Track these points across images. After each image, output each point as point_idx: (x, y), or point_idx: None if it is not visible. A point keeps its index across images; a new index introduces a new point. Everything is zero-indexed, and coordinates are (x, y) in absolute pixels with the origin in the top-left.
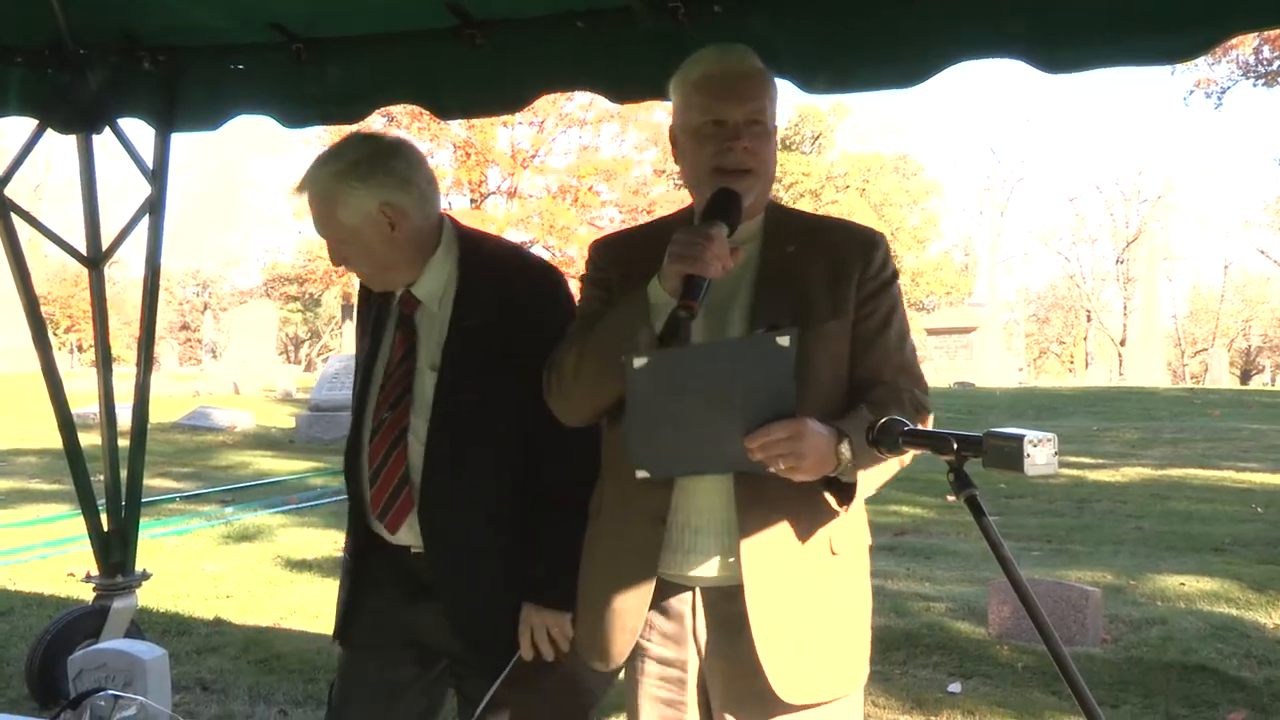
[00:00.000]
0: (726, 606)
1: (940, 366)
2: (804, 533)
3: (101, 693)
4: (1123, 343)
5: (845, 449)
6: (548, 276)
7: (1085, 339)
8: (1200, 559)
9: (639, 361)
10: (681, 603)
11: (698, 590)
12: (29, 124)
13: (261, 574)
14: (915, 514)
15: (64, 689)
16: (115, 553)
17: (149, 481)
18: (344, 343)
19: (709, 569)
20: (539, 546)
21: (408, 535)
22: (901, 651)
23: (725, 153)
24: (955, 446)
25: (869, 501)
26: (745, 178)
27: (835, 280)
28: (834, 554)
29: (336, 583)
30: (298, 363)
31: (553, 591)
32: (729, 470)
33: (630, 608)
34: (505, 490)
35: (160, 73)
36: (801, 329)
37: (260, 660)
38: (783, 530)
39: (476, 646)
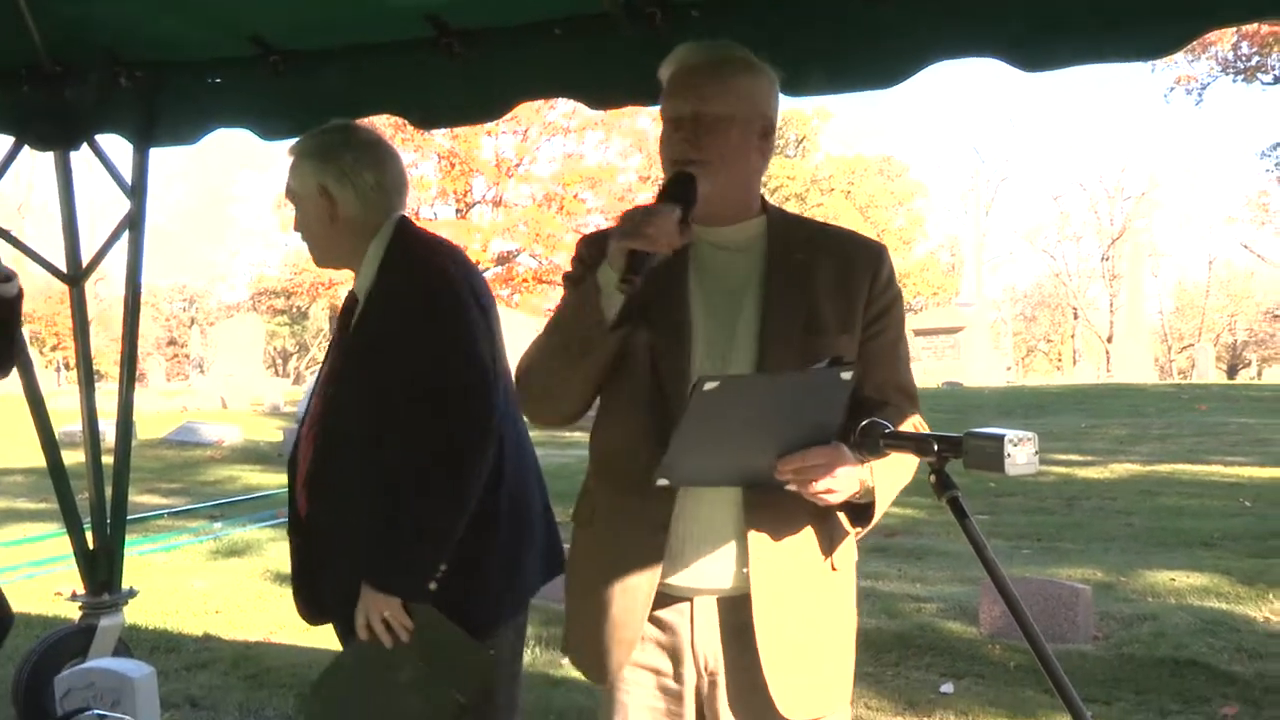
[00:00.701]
0: (731, 618)
1: (928, 367)
2: (809, 547)
3: (88, 712)
4: (1110, 340)
5: (868, 476)
6: (427, 284)
7: (1072, 336)
8: (1190, 554)
9: (709, 385)
10: (679, 614)
11: (694, 601)
12: (6, 141)
13: (250, 589)
14: (906, 515)
15: (51, 709)
16: (101, 571)
17: (137, 498)
18: None
19: (713, 580)
20: (387, 530)
21: None
22: (894, 653)
23: (674, 145)
24: (936, 448)
25: None
26: (692, 168)
27: (843, 293)
28: (834, 570)
29: None
30: (286, 376)
31: (387, 576)
32: (747, 484)
33: (628, 619)
34: (368, 480)
35: (138, 88)
36: (812, 340)
37: (250, 676)
38: (789, 544)
39: (340, 629)
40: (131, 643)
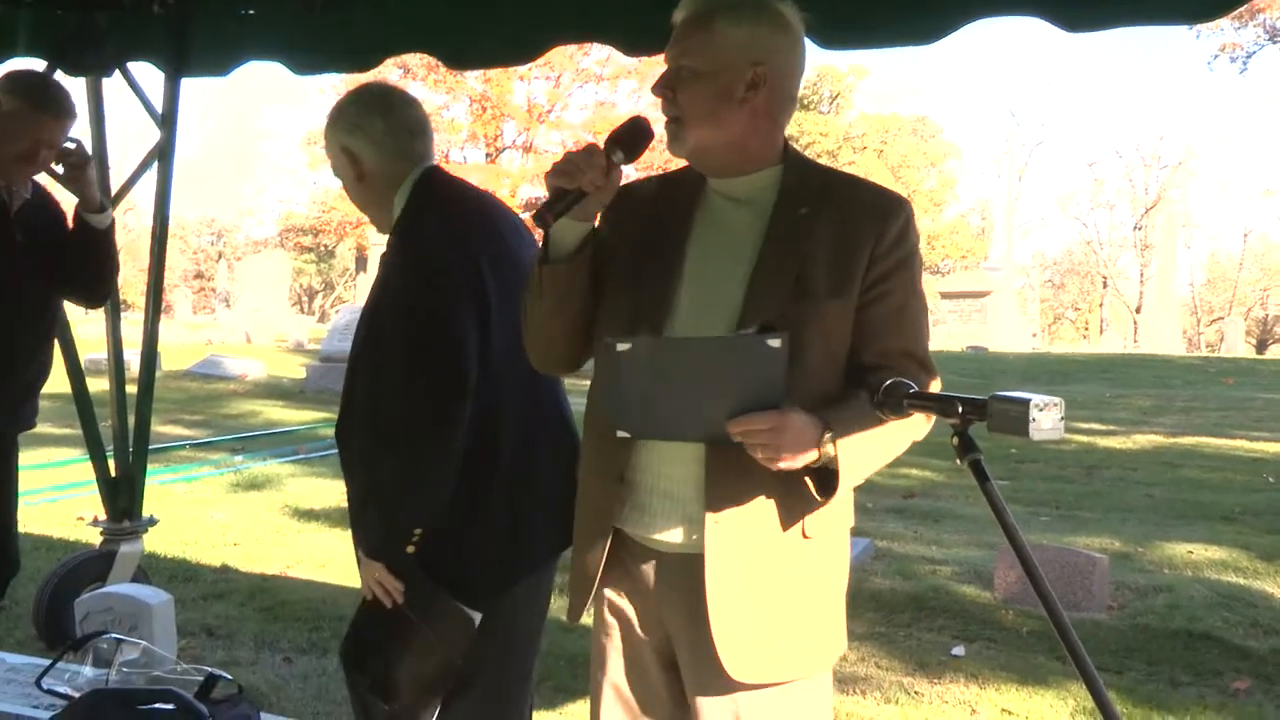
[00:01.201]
0: (686, 577)
1: (954, 330)
2: (775, 512)
3: (106, 635)
4: (1138, 310)
5: (829, 444)
6: (418, 251)
7: (1101, 305)
8: (1209, 527)
9: (622, 346)
10: (648, 566)
11: (661, 555)
12: (38, 66)
13: (269, 523)
14: (924, 477)
15: (71, 631)
16: (122, 498)
17: (159, 428)
18: (357, 294)
19: (672, 535)
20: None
21: None
22: (906, 614)
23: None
24: (960, 410)
25: None
26: (671, 125)
27: (842, 252)
28: (806, 537)
29: (343, 532)
30: (311, 314)
31: (366, 540)
32: (711, 442)
33: (588, 565)
34: (364, 438)
35: (170, 17)
36: (798, 304)
37: (266, 608)
38: (753, 507)
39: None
40: (150, 570)
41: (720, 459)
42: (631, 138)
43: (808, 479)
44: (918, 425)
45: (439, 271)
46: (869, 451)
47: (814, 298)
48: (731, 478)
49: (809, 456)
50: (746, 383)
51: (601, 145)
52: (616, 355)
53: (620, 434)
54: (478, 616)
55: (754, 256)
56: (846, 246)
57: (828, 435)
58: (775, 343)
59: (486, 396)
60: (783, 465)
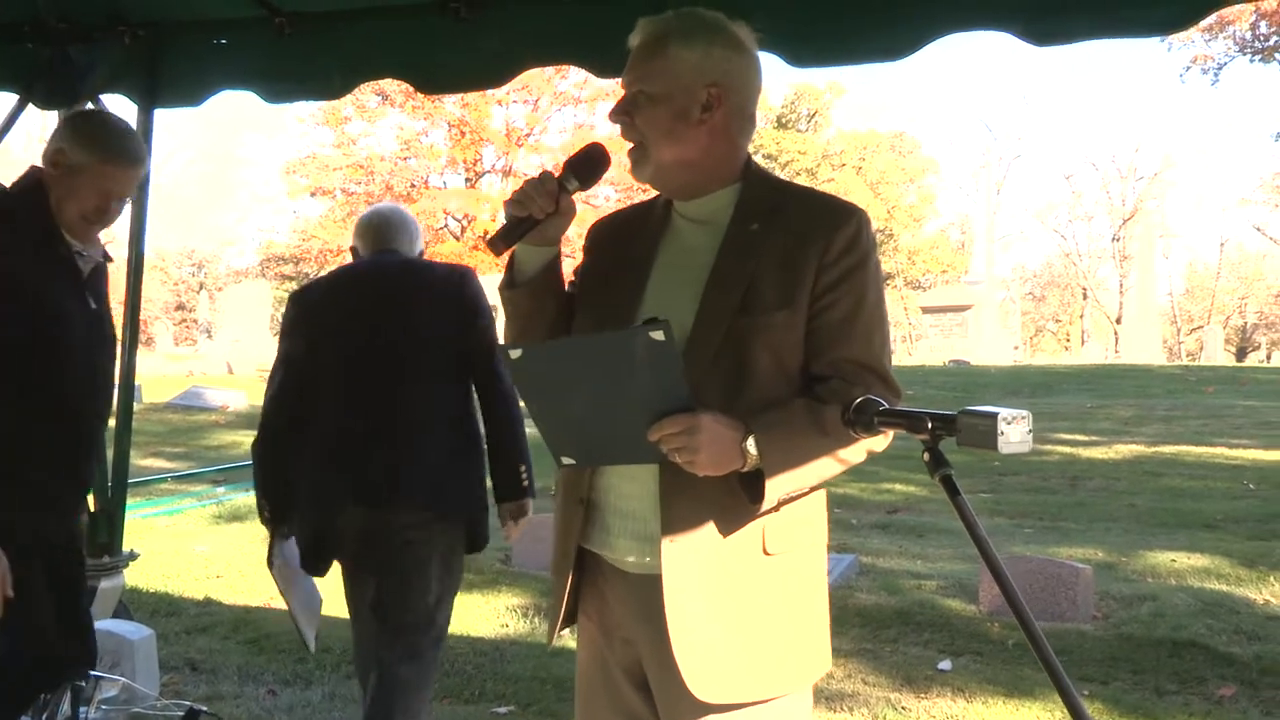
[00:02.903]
0: (649, 596)
1: (935, 345)
2: (730, 528)
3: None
4: (1119, 320)
5: (750, 445)
6: None
7: (1081, 317)
8: (1192, 535)
9: (514, 352)
10: (614, 586)
11: (627, 575)
12: (9, 100)
13: (252, 554)
14: (909, 491)
15: None
16: (102, 533)
17: (141, 461)
18: None
19: (632, 555)
20: None
21: None
22: (893, 629)
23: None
24: (930, 425)
25: (862, 480)
26: (633, 151)
27: (790, 264)
28: (768, 554)
29: None
30: None
31: None
32: (651, 461)
33: (558, 586)
34: None
35: (142, 48)
36: (744, 318)
37: (250, 640)
38: (707, 524)
39: None
40: (132, 605)
41: (673, 477)
42: (587, 165)
43: (741, 487)
44: (875, 438)
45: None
46: (800, 455)
47: (761, 311)
48: (685, 496)
49: (733, 460)
50: (650, 386)
51: (558, 172)
52: (512, 363)
53: (566, 461)
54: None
55: (707, 271)
56: (794, 258)
57: (749, 438)
58: (657, 334)
59: None
60: (706, 469)
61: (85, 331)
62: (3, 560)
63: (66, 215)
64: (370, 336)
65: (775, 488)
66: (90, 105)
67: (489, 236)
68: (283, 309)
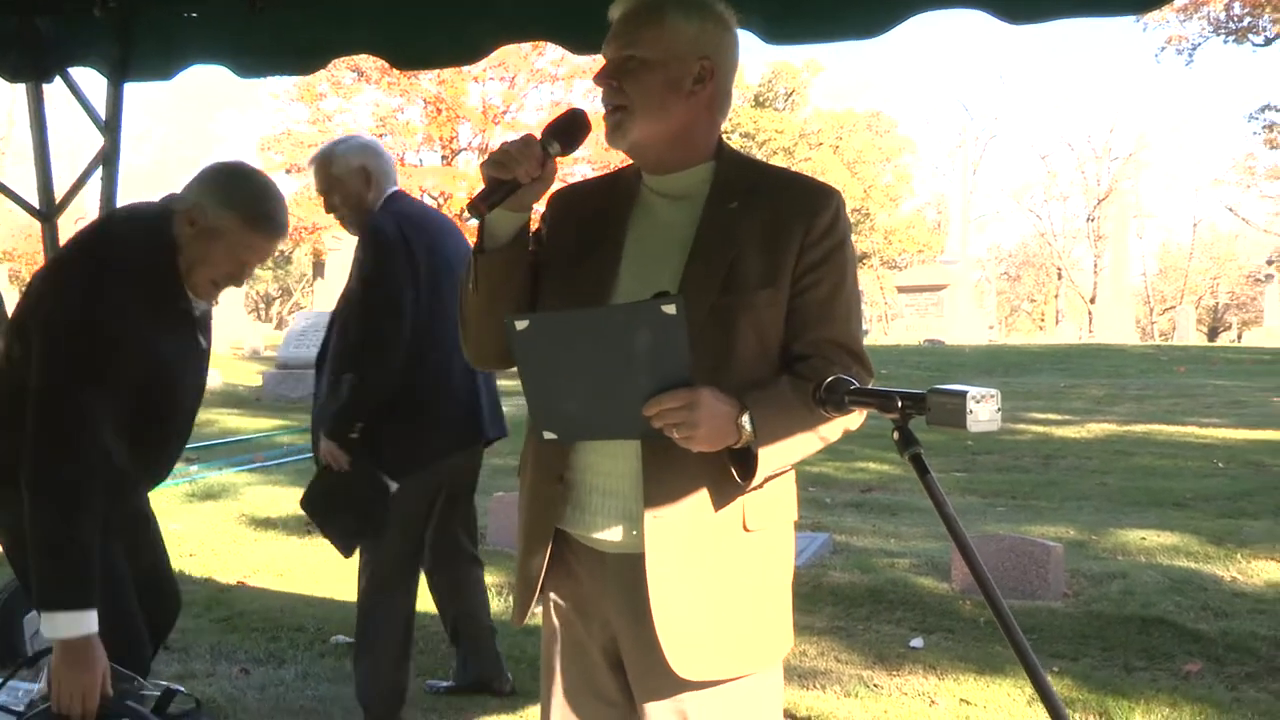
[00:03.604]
0: (629, 575)
1: (911, 324)
2: (713, 505)
3: None
4: (1093, 300)
5: (746, 422)
6: (374, 238)
7: (1056, 296)
8: (1162, 514)
9: (520, 323)
10: (592, 566)
11: (606, 555)
12: None
13: (225, 532)
14: (882, 470)
15: (21, 648)
16: None
17: None
18: (315, 300)
19: (612, 534)
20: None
21: None
22: (865, 607)
23: (602, 90)
24: (900, 404)
25: (836, 458)
26: (616, 114)
27: (772, 243)
28: (747, 530)
29: (301, 541)
30: (268, 320)
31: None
32: (636, 436)
33: (531, 568)
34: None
35: (112, 20)
36: (728, 296)
37: (223, 619)
38: (691, 501)
39: None
40: None
41: (656, 454)
42: (569, 129)
43: (730, 464)
44: (850, 415)
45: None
46: (789, 432)
47: (745, 289)
48: (668, 473)
49: (728, 436)
50: (652, 360)
51: (538, 136)
52: (516, 335)
53: (548, 436)
54: (394, 485)
55: (687, 251)
56: (777, 238)
57: (745, 414)
58: (669, 308)
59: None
60: (700, 446)
61: (194, 371)
62: (103, 658)
63: (195, 279)
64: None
65: (766, 464)
66: (59, 78)
67: (468, 201)
68: (257, 287)
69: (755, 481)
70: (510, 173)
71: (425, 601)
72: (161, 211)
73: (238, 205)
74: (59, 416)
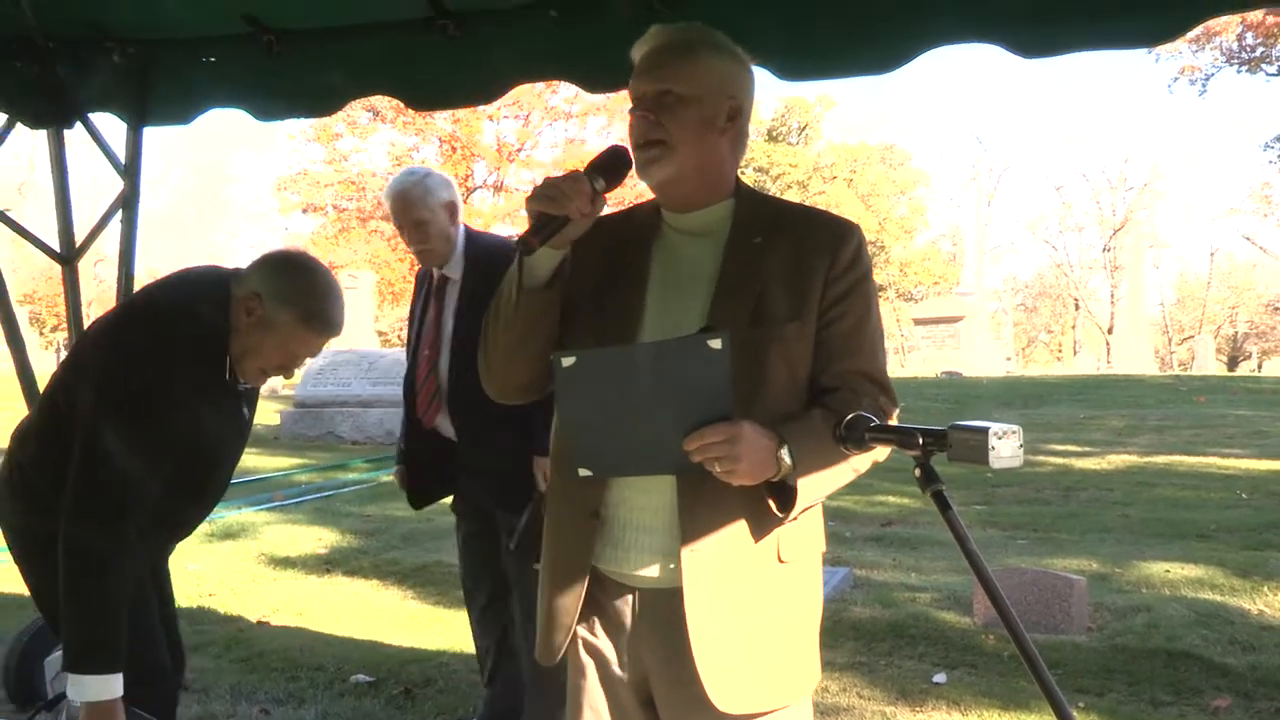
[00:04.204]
0: (666, 610)
1: (927, 356)
2: (749, 538)
3: None
4: (1110, 331)
5: (785, 454)
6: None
7: (1073, 327)
8: (1185, 546)
9: (567, 360)
10: (624, 602)
11: (638, 590)
12: None
13: (245, 572)
14: (903, 504)
15: (42, 691)
16: None
17: None
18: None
19: (649, 570)
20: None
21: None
22: (886, 642)
23: (636, 124)
24: (921, 441)
25: (856, 492)
26: (653, 149)
27: (796, 278)
28: (782, 561)
29: (320, 580)
30: None
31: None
32: (672, 472)
33: (565, 604)
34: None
35: (131, 66)
36: (757, 329)
37: (242, 659)
38: (727, 534)
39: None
40: None
41: (691, 488)
42: (613, 165)
43: (769, 496)
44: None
45: None
46: (826, 464)
47: (773, 322)
48: (704, 506)
49: (768, 469)
50: (695, 394)
51: (580, 173)
52: (563, 371)
53: (583, 472)
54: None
55: (712, 286)
56: (802, 272)
57: (783, 447)
58: (715, 343)
59: None
60: (741, 480)
61: (235, 441)
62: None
63: (245, 365)
64: None
65: (805, 496)
66: (79, 123)
67: (519, 236)
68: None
69: (794, 513)
70: (562, 208)
71: (449, 639)
72: (221, 288)
73: (298, 303)
74: (101, 482)
